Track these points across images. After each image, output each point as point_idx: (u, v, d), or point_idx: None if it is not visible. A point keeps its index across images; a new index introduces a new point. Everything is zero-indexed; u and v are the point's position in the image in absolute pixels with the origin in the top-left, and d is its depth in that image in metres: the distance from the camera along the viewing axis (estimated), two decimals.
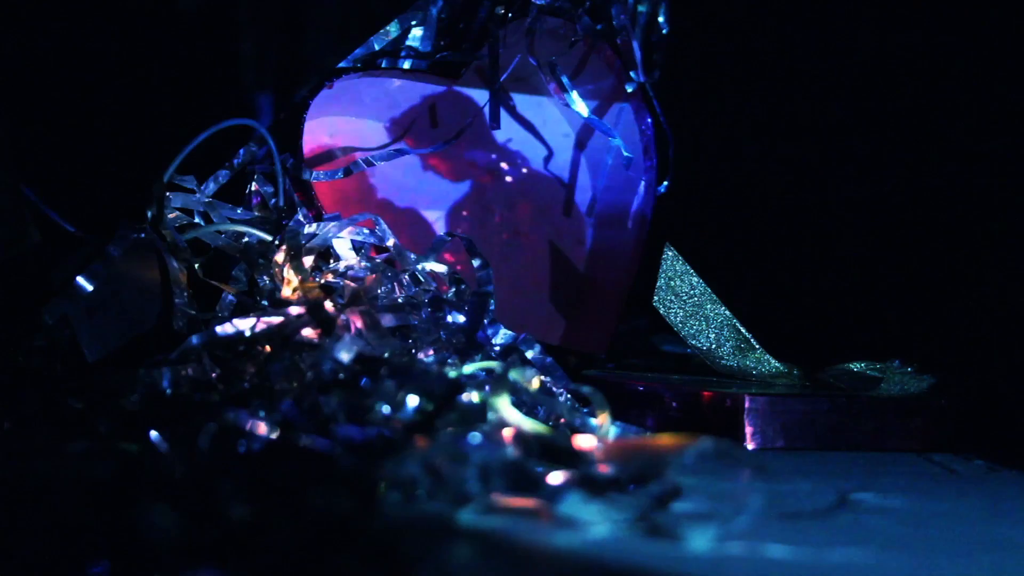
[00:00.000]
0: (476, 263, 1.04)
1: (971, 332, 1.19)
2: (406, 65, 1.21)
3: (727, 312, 1.10)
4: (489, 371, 0.85)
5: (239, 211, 1.11)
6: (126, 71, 1.41)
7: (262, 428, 0.74)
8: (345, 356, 0.81)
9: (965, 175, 1.24)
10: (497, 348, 0.99)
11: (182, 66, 1.44)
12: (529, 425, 0.75)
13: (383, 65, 1.20)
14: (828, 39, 1.39)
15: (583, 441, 0.73)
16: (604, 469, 0.71)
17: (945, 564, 0.64)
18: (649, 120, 1.29)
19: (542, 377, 0.93)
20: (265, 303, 1.00)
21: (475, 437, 0.71)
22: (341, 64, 1.18)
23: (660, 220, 1.29)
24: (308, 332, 0.89)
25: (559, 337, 1.31)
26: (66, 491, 0.71)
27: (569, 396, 0.96)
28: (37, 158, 1.25)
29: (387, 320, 0.94)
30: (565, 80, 1.22)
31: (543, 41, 1.21)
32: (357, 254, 1.05)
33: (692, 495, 0.73)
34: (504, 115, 1.29)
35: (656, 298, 1.11)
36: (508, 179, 1.32)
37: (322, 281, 0.99)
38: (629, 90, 1.27)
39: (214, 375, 0.87)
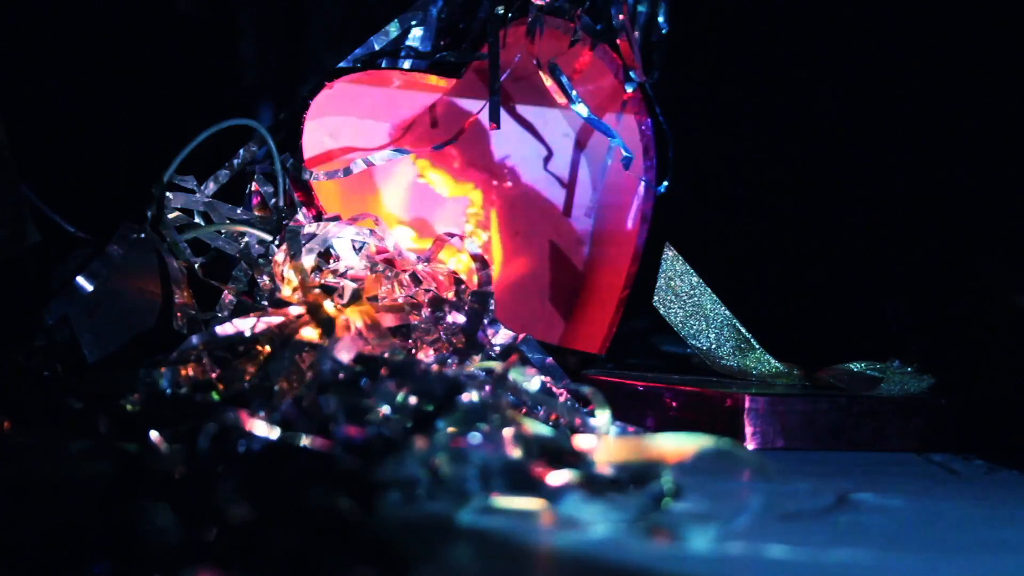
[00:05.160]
0: (476, 263, 1.04)
1: (971, 332, 1.19)
2: (406, 65, 1.21)
3: (727, 312, 1.10)
4: (489, 371, 0.85)
5: (239, 211, 1.11)
6: (127, 72, 1.41)
7: (262, 428, 0.74)
8: (345, 356, 0.81)
9: (965, 175, 1.24)
10: (497, 348, 0.99)
11: (182, 66, 1.44)
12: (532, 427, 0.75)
13: (383, 65, 1.20)
14: (828, 39, 1.39)
15: (583, 441, 0.73)
16: (604, 469, 0.71)
17: (945, 564, 0.64)
18: (649, 120, 1.29)
19: (542, 377, 0.93)
20: (265, 303, 1.00)
21: (475, 437, 0.71)
22: (341, 64, 1.18)
23: (660, 220, 1.29)
24: (308, 332, 0.89)
25: (559, 337, 1.31)
26: (66, 491, 0.71)
27: (569, 396, 0.96)
28: (37, 158, 1.25)
29: (387, 320, 0.94)
30: (565, 80, 1.22)
31: (543, 41, 1.21)
32: (357, 254, 1.05)
33: (692, 495, 0.73)
34: (504, 115, 1.29)
35: (656, 298, 1.11)
36: (508, 179, 1.32)
37: (322, 281, 0.99)
38: (629, 90, 1.27)
39: (214, 375, 0.87)
